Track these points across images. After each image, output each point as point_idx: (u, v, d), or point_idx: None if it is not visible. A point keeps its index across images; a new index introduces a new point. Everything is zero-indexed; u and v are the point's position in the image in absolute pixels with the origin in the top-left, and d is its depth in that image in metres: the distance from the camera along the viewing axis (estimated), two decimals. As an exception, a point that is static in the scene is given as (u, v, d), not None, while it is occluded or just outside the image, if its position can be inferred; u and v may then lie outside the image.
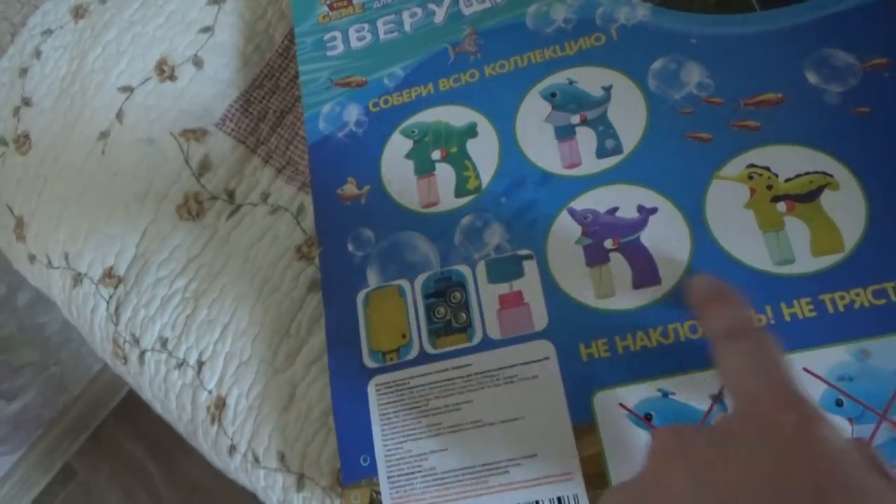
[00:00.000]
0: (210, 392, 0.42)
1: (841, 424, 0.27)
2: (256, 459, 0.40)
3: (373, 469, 0.32)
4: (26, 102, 0.54)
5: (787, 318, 0.29)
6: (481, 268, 0.34)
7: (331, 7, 0.42)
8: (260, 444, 0.40)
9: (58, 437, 1.19)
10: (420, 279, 0.34)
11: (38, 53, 0.54)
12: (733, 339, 0.24)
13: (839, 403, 0.27)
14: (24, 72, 0.54)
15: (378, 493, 0.31)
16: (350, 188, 0.37)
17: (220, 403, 0.42)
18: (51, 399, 1.16)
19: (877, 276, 0.28)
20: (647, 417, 0.29)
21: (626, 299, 0.31)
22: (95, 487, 1.19)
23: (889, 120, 0.30)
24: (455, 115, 0.37)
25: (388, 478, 0.31)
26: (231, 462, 0.42)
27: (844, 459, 0.19)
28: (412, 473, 0.31)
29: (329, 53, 0.41)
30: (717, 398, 0.28)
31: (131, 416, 1.20)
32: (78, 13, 0.54)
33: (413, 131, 0.37)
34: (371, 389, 0.33)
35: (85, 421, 1.21)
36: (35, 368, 1.09)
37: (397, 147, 0.37)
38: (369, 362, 0.33)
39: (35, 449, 1.18)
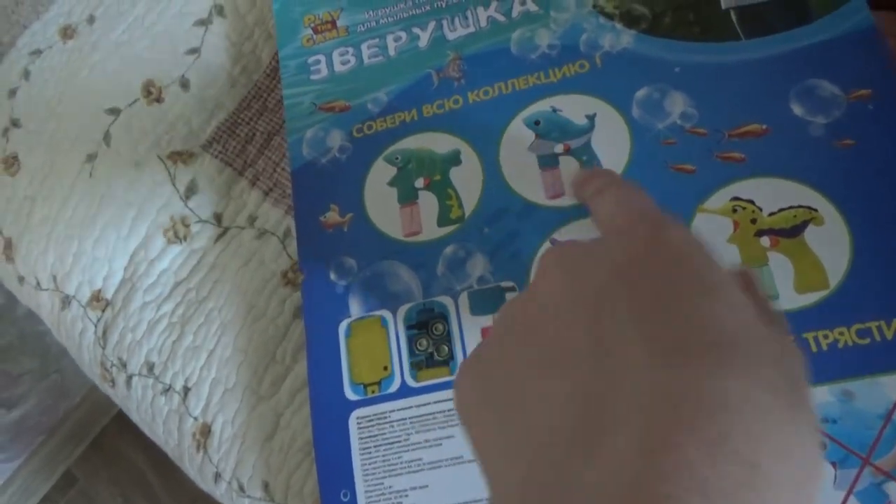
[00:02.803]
0: (196, 419, 0.42)
1: (824, 468, 0.26)
2: (241, 488, 0.40)
3: (353, 505, 0.31)
4: (15, 123, 0.53)
5: (770, 357, 0.28)
6: (464, 299, 0.33)
7: (315, 30, 0.42)
8: (244, 472, 0.39)
9: (58, 444, 1.19)
10: (402, 310, 0.34)
11: (26, 74, 0.54)
12: (601, 191, 0.27)
13: (822, 446, 0.26)
14: (12, 92, 0.54)
15: (358, 529, 0.31)
16: (333, 215, 0.37)
17: (206, 430, 0.41)
18: (51, 407, 1.16)
19: (861, 315, 0.28)
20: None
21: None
22: (96, 495, 1.20)
23: (872, 153, 0.30)
24: (438, 142, 0.37)
25: (368, 514, 0.31)
26: (216, 489, 0.41)
27: (697, 254, 0.20)
28: (392, 510, 0.31)
29: (313, 77, 0.40)
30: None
31: (132, 423, 1.20)
32: (66, 33, 0.54)
33: (396, 158, 0.37)
34: (352, 423, 0.33)
35: (86, 428, 1.21)
36: (35, 376, 1.09)
37: (380, 174, 0.37)
38: (350, 394, 0.33)
39: (36, 456, 1.18)
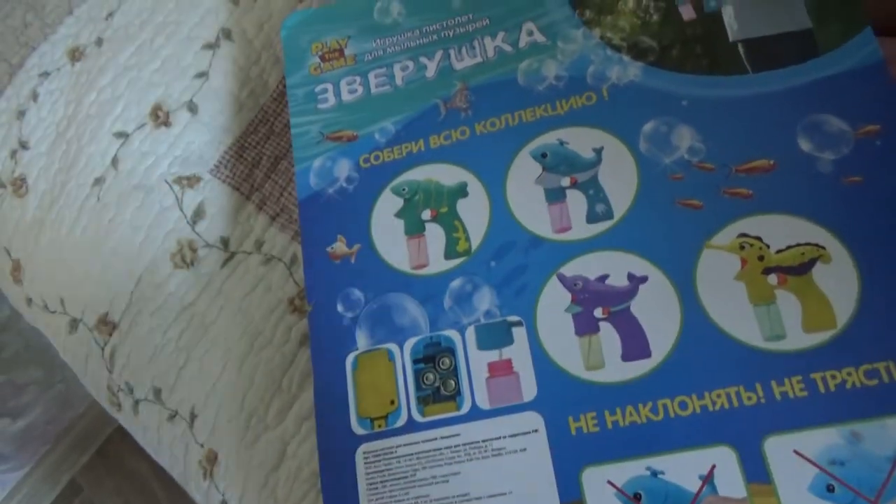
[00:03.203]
0: (202, 445, 0.42)
1: (832, 510, 0.26)
2: None
3: (360, 541, 0.31)
4: (23, 145, 0.54)
5: (778, 397, 0.28)
6: (471, 333, 0.33)
7: (322, 58, 0.42)
8: (251, 502, 0.39)
9: (63, 453, 1.19)
10: (409, 343, 0.34)
11: (35, 96, 0.54)
12: None
13: (830, 489, 0.26)
14: (21, 114, 0.55)
15: (365, 565, 0.31)
16: (340, 246, 0.37)
17: (212, 458, 0.41)
18: (56, 416, 1.16)
19: (869, 356, 0.28)
20: (637, 497, 0.28)
21: (616, 372, 0.31)
22: (100, 503, 1.20)
23: (880, 190, 0.30)
24: (446, 174, 0.37)
25: (375, 551, 0.31)
26: None
27: None
28: (399, 547, 0.31)
29: (320, 106, 0.41)
30: (707, 479, 0.28)
31: None
32: (75, 55, 0.54)
33: (403, 189, 0.37)
34: (359, 457, 0.33)
35: (90, 438, 1.21)
36: (40, 386, 1.10)
37: (388, 205, 0.37)
38: (357, 429, 0.33)
39: (41, 465, 1.18)
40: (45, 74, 0.55)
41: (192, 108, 0.49)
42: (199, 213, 0.47)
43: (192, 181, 0.47)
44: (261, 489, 0.39)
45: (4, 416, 1.09)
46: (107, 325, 0.47)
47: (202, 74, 0.50)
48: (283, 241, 0.44)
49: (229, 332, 0.43)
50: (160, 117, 0.49)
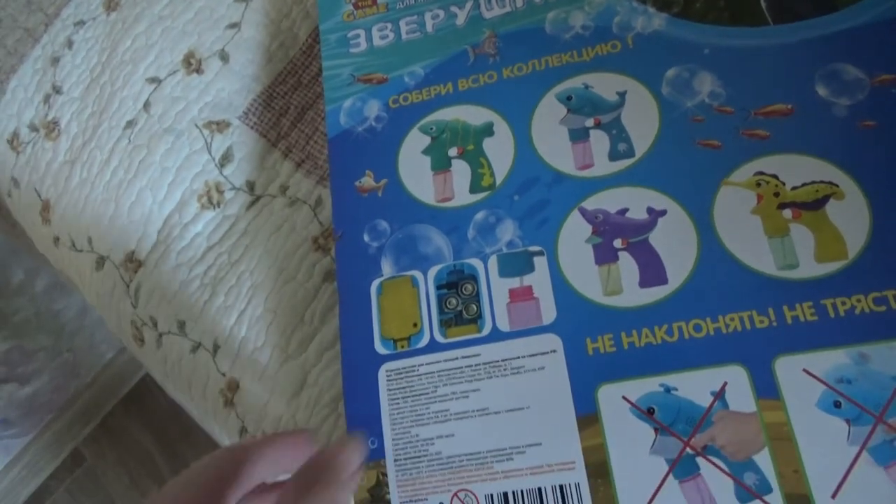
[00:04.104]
0: (224, 375, 0.43)
1: (838, 425, 0.28)
2: None
3: (380, 451, 0.33)
4: (57, 90, 0.55)
5: (789, 321, 0.29)
6: (493, 262, 0.35)
7: (355, 6, 0.43)
8: (271, 427, 0.41)
9: (68, 422, 1.21)
10: (433, 271, 0.35)
11: (70, 43, 0.56)
12: None
13: (837, 405, 0.28)
14: (55, 61, 0.56)
15: (384, 474, 0.32)
16: (368, 181, 0.38)
17: (234, 386, 0.43)
18: (62, 385, 1.18)
19: (878, 284, 0.29)
20: (650, 411, 0.30)
21: (633, 297, 0.32)
22: (102, 474, 1.21)
23: (894, 135, 0.31)
24: (472, 115, 0.38)
25: (395, 460, 0.32)
26: None
27: None
28: (418, 457, 0.32)
29: (352, 50, 0.42)
30: (719, 395, 0.29)
31: (141, 405, 1.22)
32: (110, 6, 0.56)
33: (431, 128, 0.39)
34: (381, 375, 0.34)
35: (95, 408, 1.23)
36: (48, 354, 1.11)
37: (415, 143, 0.39)
38: (381, 349, 0.34)
39: (45, 433, 1.20)
40: (81, 23, 0.56)
41: (224, 56, 0.50)
42: (227, 157, 0.48)
43: (221, 126, 0.49)
44: (281, 414, 0.40)
45: (12, 381, 1.11)
46: (133, 262, 0.49)
47: (234, 25, 0.51)
48: (308, 185, 0.46)
49: (254, 269, 0.44)
50: (192, 65, 0.51)
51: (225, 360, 0.43)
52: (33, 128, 0.55)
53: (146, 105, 0.51)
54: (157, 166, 0.49)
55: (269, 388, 0.41)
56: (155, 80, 0.51)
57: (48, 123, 0.55)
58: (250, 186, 0.47)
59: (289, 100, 0.49)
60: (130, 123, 0.51)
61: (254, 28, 0.51)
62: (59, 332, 1.12)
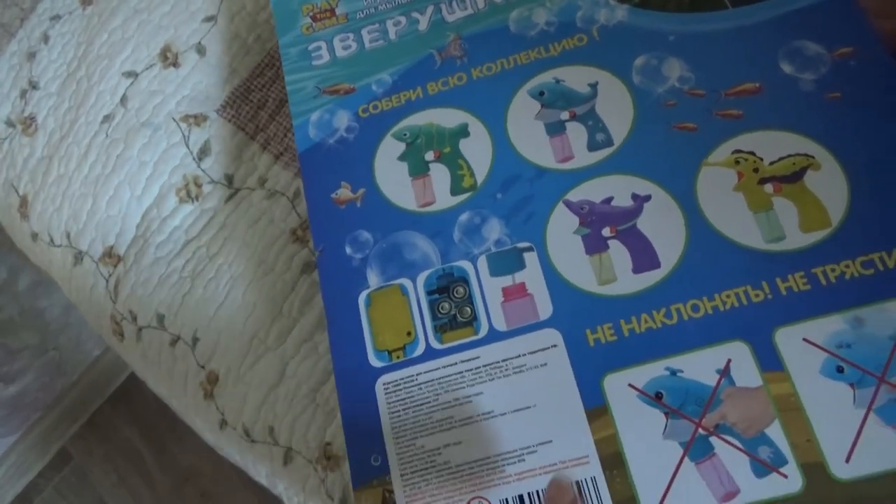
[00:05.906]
0: (203, 367, 0.42)
1: (843, 390, 0.28)
2: (247, 433, 0.40)
3: (384, 468, 0.31)
4: (33, 86, 0.53)
5: (783, 292, 0.30)
6: (482, 262, 0.34)
7: (314, 18, 0.43)
8: (250, 418, 0.39)
9: (54, 421, 1.17)
10: (422, 277, 0.34)
11: (45, 38, 0.54)
12: None
13: (840, 370, 0.28)
14: (31, 56, 0.54)
15: (391, 492, 0.31)
16: (344, 192, 0.37)
17: (214, 378, 0.41)
18: (48, 384, 1.15)
19: (864, 248, 0.30)
20: (658, 396, 0.29)
21: (628, 284, 0.32)
22: (90, 472, 1.18)
23: (858, 103, 0.32)
24: (446, 117, 0.38)
25: (402, 475, 0.31)
26: (222, 436, 0.41)
27: None
28: (426, 469, 0.31)
29: (315, 63, 0.41)
30: (724, 372, 0.29)
31: (127, 402, 1.20)
32: (86, 0, 0.54)
33: (405, 134, 0.38)
34: (379, 388, 0.33)
35: (82, 406, 1.19)
36: (33, 352, 1.08)
37: (390, 150, 0.38)
38: (375, 362, 0.33)
39: (31, 432, 1.16)
40: (57, 18, 0.55)
41: (201, 50, 0.49)
42: (204, 151, 0.47)
43: (198, 119, 0.47)
44: (260, 406, 0.39)
45: (-3, 381, 1.06)
46: (111, 257, 0.47)
47: (211, 18, 0.50)
48: (286, 177, 0.45)
49: (233, 261, 0.43)
50: (169, 58, 0.49)
51: (204, 352, 0.42)
52: (10, 123, 0.54)
53: (123, 99, 0.49)
54: (135, 160, 0.48)
55: (247, 380, 0.40)
56: (132, 75, 0.50)
57: (25, 119, 0.53)
58: (228, 179, 0.46)
59: (267, 92, 0.48)
60: (107, 118, 0.49)
61: (230, 20, 0.50)
62: (44, 330, 1.09)
